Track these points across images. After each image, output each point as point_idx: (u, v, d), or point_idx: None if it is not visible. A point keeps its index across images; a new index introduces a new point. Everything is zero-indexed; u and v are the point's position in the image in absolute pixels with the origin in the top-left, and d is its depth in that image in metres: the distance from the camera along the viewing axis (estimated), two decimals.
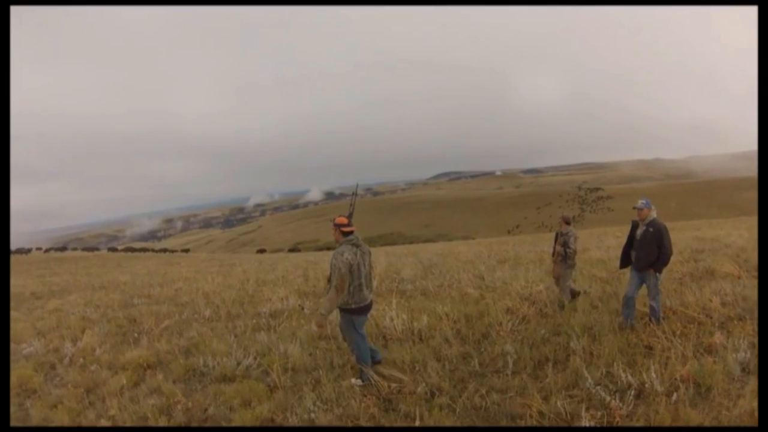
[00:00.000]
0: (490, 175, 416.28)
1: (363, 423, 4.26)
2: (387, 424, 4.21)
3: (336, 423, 4.30)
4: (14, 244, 60.29)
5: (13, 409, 5.51)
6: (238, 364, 5.94)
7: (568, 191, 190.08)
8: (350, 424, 4.26)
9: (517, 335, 6.24)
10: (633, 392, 4.25)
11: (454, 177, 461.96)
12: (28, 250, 56.35)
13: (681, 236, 16.63)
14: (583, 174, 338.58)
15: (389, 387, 4.85)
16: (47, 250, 61.25)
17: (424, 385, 4.88)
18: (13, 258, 46.56)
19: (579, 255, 12.41)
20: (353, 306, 4.93)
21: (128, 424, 4.66)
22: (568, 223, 7.58)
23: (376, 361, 5.45)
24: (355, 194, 5.34)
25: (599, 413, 4.00)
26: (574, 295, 7.64)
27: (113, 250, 63.31)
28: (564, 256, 7.43)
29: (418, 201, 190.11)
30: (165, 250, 61.19)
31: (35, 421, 5.13)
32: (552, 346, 5.65)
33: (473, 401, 4.52)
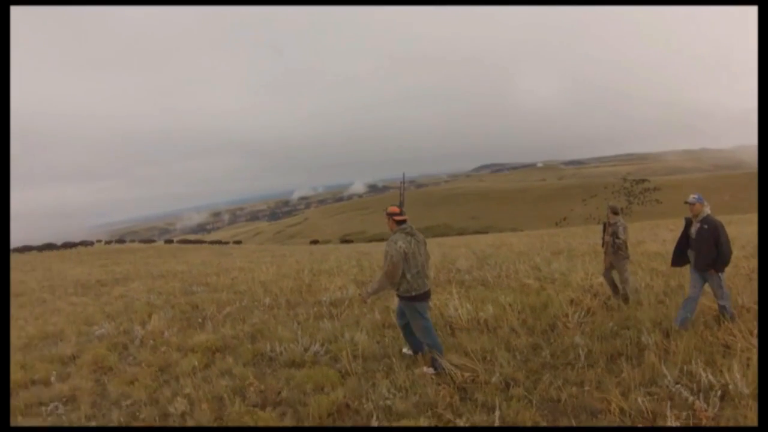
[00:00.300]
0: (531, 166, 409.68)
1: (440, 411, 4.20)
2: (465, 413, 4.14)
3: (413, 411, 4.25)
4: (76, 237, 63.93)
5: (90, 384, 5.75)
6: (306, 350, 5.99)
7: (613, 183, 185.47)
8: (429, 412, 4.21)
9: (584, 327, 6.07)
10: (717, 393, 4.01)
11: (496, 169, 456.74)
12: (92, 243, 59.06)
13: (741, 230, 15.86)
14: (627, 165, 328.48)
15: (463, 376, 4.78)
16: (108, 242, 63.91)
17: (498, 375, 4.79)
18: (77, 250, 49.36)
19: (635, 248, 11.93)
20: (413, 293, 4.95)
21: (204, 402, 4.73)
22: (616, 213, 7.35)
23: (416, 353, 5.49)
24: (403, 183, 5.42)
25: (684, 413, 3.79)
26: (615, 289, 7.39)
27: (169, 241, 65.28)
28: (614, 246, 7.21)
29: (463, 193, 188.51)
30: (219, 242, 62.62)
31: (113, 396, 5.32)
32: (623, 340, 5.44)
33: (549, 393, 4.40)
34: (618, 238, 7.16)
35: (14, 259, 39.68)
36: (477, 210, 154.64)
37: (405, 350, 5.69)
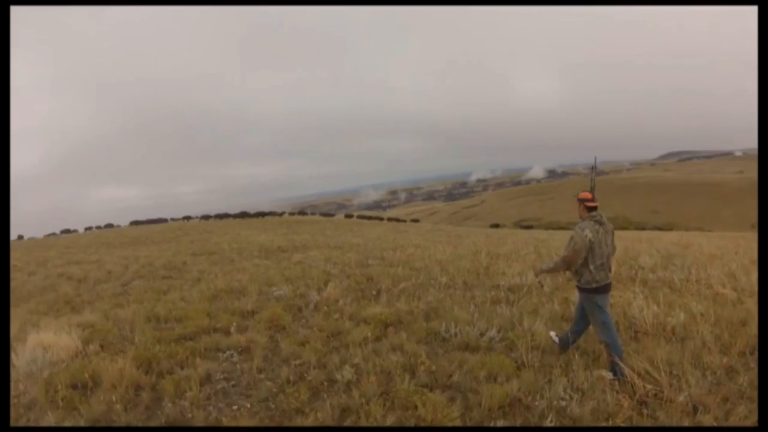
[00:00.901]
0: (728, 155, 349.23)
1: (618, 422, 3.91)
2: None
3: (589, 417, 4.00)
4: (266, 208, 72.80)
5: (265, 339, 6.37)
6: (482, 335, 5.91)
7: None
8: (606, 422, 3.94)
9: None
10: None
11: (685, 157, 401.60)
12: (281, 214, 66.67)
13: None
14: None
15: (644, 388, 4.37)
16: (292, 214, 71.09)
17: (685, 395, 4.26)
18: (265, 219, 56.09)
19: None
20: (594, 285, 4.83)
21: (372, 375, 4.87)
22: None
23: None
24: (594, 168, 5.29)
25: None
26: None
27: (348, 216, 69.87)
28: None
29: (645, 183, 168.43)
30: (396, 219, 65.24)
31: (285, 354, 5.78)
32: None
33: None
34: None
35: (213, 224, 46.96)
36: (659, 203, 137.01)
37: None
